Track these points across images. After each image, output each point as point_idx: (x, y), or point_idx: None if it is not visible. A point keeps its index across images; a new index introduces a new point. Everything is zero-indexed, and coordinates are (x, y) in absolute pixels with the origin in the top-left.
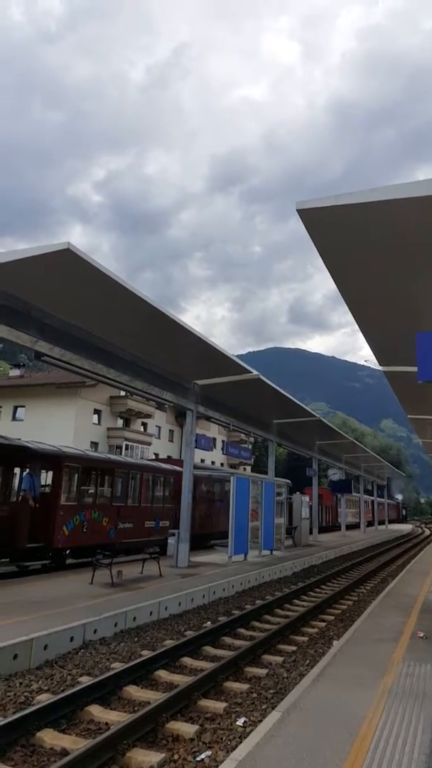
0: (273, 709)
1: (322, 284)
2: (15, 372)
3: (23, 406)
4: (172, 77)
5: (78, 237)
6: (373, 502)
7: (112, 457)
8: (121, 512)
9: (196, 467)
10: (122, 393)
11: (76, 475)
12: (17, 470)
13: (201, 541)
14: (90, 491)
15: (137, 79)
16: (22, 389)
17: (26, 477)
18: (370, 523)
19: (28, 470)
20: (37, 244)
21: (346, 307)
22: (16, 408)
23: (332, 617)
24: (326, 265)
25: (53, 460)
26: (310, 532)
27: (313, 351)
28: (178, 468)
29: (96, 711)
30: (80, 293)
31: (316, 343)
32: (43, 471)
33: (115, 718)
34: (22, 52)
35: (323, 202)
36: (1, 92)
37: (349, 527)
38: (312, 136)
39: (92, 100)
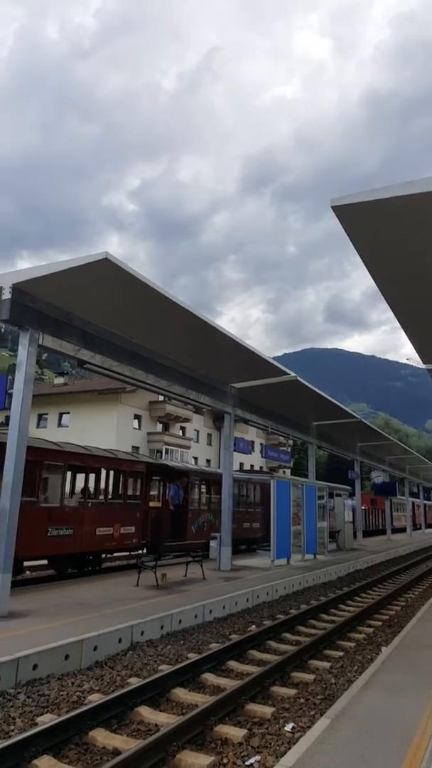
0: (322, 715)
1: (359, 281)
2: (59, 380)
3: (68, 413)
4: (203, 82)
5: (115, 246)
6: (422, 505)
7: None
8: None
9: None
10: (161, 398)
11: (197, 486)
12: (159, 482)
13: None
14: (207, 498)
15: (168, 87)
16: (66, 396)
17: (173, 487)
18: (417, 527)
19: (173, 482)
20: (76, 255)
21: (385, 304)
22: (61, 415)
23: (380, 623)
24: (364, 262)
25: (183, 474)
26: (354, 536)
27: (352, 350)
28: (265, 478)
29: (146, 712)
30: (119, 301)
31: (355, 343)
32: (177, 483)
33: (164, 719)
34: (58, 69)
35: (358, 198)
36: (41, 109)
37: (395, 531)
38: (345, 130)
39: (125, 111)
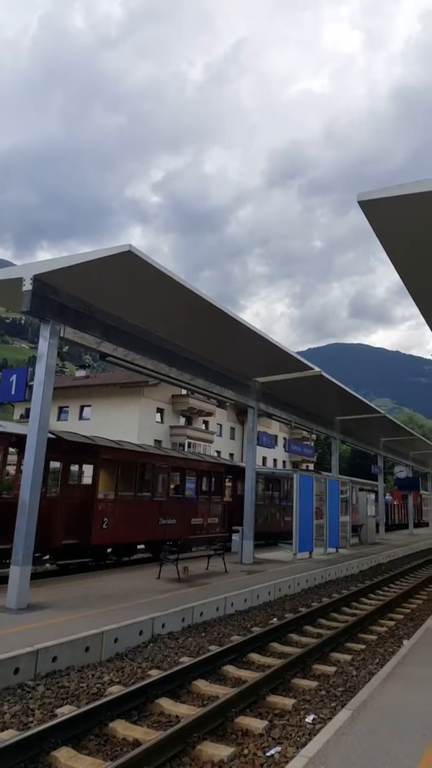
0: (343, 707)
1: (385, 277)
2: (80, 373)
3: (89, 406)
4: (230, 74)
5: (138, 238)
6: None
7: (277, 471)
8: (285, 510)
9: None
10: (184, 391)
11: (260, 484)
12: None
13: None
14: (269, 495)
15: (195, 77)
16: (87, 389)
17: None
18: None
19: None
20: (98, 246)
21: (410, 300)
22: (82, 407)
23: (401, 616)
24: (390, 258)
25: (241, 471)
26: (377, 531)
27: (376, 346)
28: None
29: (166, 704)
30: (142, 294)
31: (379, 338)
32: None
33: (185, 711)
34: (85, 59)
35: (385, 193)
36: (66, 99)
37: (417, 526)
38: (374, 125)
39: (151, 101)
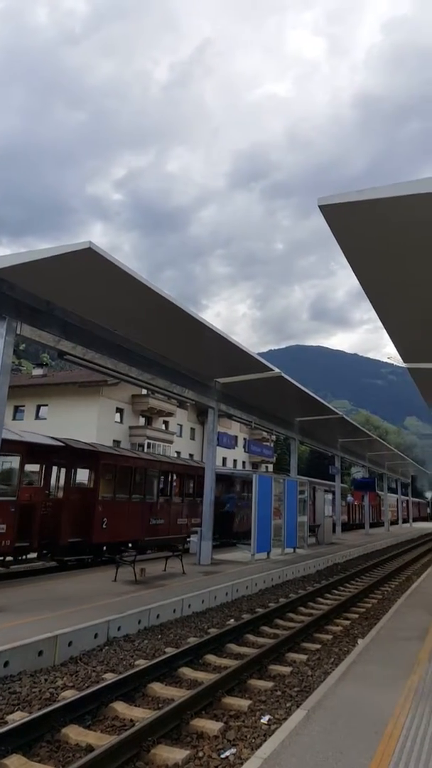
0: (298, 707)
1: (345, 281)
2: (38, 371)
3: (46, 405)
4: (195, 75)
5: (98, 236)
6: (397, 500)
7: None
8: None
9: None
10: (144, 391)
11: (235, 486)
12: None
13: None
14: (244, 496)
15: (160, 77)
16: (44, 388)
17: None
18: (394, 522)
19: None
20: (58, 243)
21: (368, 304)
22: (39, 407)
23: (357, 615)
24: (349, 262)
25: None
26: (333, 531)
27: (335, 348)
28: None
29: (120, 708)
30: (102, 292)
31: (338, 341)
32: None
33: (139, 714)
34: (46, 54)
35: (346, 198)
36: (27, 95)
37: (373, 525)
38: (336, 131)
39: (114, 99)
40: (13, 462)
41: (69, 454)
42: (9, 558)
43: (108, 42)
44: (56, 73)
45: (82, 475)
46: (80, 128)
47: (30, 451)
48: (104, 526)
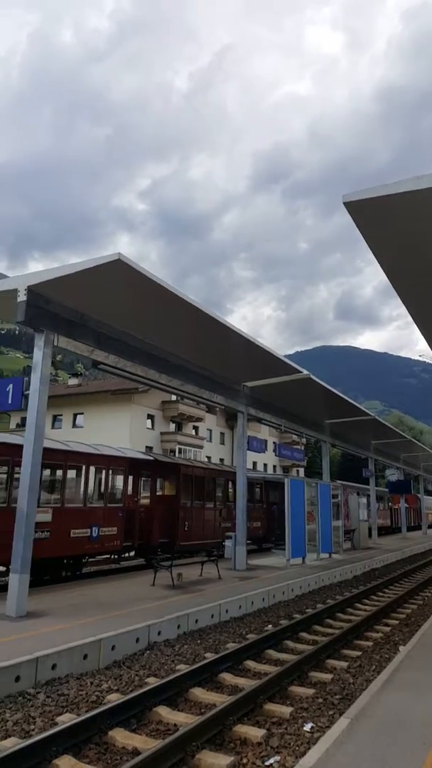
0: (341, 715)
1: (372, 277)
2: (73, 381)
3: (82, 414)
4: (214, 81)
5: (125, 247)
6: None
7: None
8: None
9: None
10: (173, 397)
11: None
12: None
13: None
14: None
15: (181, 86)
16: (80, 397)
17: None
18: None
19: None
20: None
21: (398, 300)
22: (75, 415)
23: (397, 621)
24: (376, 257)
25: (271, 482)
26: (369, 535)
27: (364, 348)
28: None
29: (164, 712)
30: (132, 301)
31: (367, 339)
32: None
33: (182, 719)
34: (73, 73)
35: (370, 193)
36: (54, 113)
37: (410, 529)
38: (358, 126)
39: (137, 112)
40: (120, 474)
41: (154, 466)
42: (115, 556)
43: (129, 56)
44: (81, 90)
45: (163, 484)
46: (105, 142)
47: (130, 464)
48: (186, 529)
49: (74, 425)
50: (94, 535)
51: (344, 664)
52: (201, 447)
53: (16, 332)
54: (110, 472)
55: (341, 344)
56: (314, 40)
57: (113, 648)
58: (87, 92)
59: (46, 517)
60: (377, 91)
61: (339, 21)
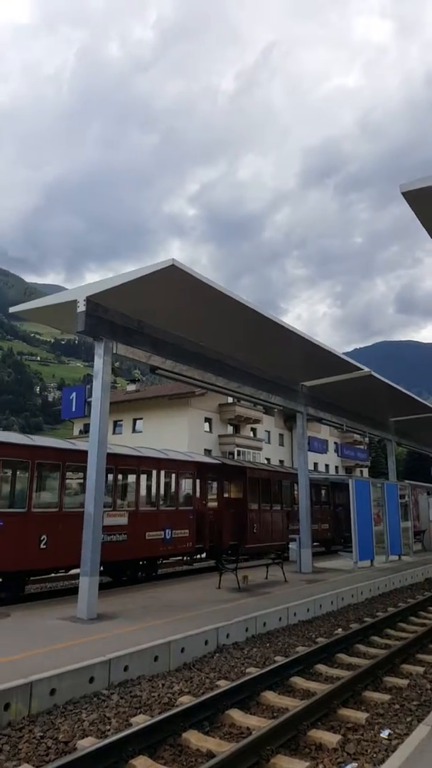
0: (419, 722)
1: None
2: (131, 387)
3: (141, 419)
4: (260, 80)
5: (177, 252)
6: None
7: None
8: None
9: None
10: (230, 400)
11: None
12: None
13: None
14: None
15: (226, 88)
16: (138, 402)
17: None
18: None
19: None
20: (140, 264)
21: None
22: (135, 420)
23: None
24: None
25: (335, 483)
26: None
27: (427, 342)
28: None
29: (236, 715)
30: (187, 306)
31: (430, 333)
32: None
33: (255, 723)
34: (119, 85)
35: (429, 181)
36: (103, 127)
37: None
38: (410, 113)
39: (184, 118)
40: (189, 478)
41: (221, 469)
42: (187, 558)
43: (174, 63)
44: (128, 101)
45: (229, 487)
46: (153, 150)
47: (199, 468)
48: (254, 531)
49: (134, 430)
50: (168, 537)
51: (420, 669)
52: (260, 449)
53: (76, 342)
54: (180, 475)
55: (402, 339)
56: (362, 31)
57: (183, 650)
58: (134, 103)
59: (123, 520)
60: (430, 77)
61: (387, 9)
